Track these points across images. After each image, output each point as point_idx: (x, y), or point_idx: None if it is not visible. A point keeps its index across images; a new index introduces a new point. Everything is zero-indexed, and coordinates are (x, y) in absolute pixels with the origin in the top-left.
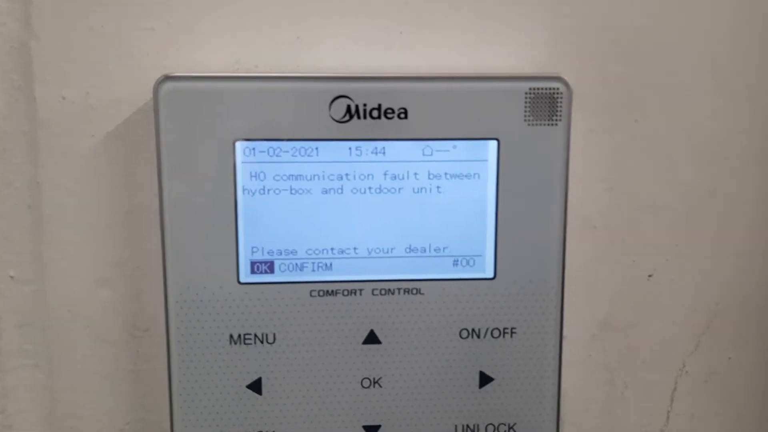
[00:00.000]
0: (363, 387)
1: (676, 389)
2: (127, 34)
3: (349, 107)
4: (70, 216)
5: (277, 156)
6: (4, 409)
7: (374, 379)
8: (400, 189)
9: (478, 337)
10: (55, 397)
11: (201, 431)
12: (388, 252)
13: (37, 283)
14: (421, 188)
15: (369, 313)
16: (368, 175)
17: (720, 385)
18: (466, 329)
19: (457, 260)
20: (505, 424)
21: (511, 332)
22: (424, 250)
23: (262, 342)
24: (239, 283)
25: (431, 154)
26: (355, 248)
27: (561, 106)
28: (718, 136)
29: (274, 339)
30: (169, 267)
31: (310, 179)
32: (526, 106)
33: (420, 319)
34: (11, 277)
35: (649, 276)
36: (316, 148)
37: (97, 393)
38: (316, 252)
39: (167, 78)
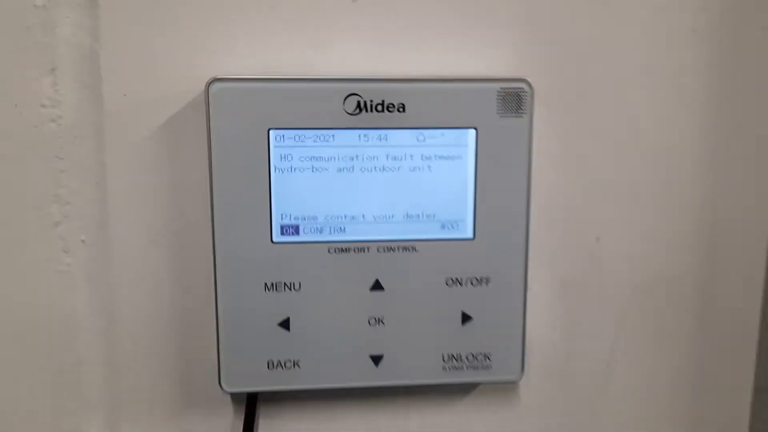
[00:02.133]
0: (369, 325)
1: (618, 331)
2: (174, 41)
3: (359, 102)
4: (129, 191)
5: (301, 141)
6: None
7: (379, 318)
8: (399, 168)
9: (461, 285)
10: (115, 341)
11: (241, 362)
12: (389, 218)
13: (103, 245)
14: (416, 167)
15: (375, 266)
16: (374, 156)
17: (654, 330)
18: (451, 278)
19: (444, 224)
20: (482, 353)
21: (487, 281)
22: (418, 217)
23: (290, 289)
24: (272, 242)
25: (424, 140)
26: (363, 215)
27: (525, 102)
28: (657, 125)
29: (300, 287)
30: (217, 231)
31: (328, 160)
32: (498, 102)
33: (415, 271)
34: (82, 240)
35: (597, 239)
36: (333, 135)
37: (151, 337)
38: (333, 218)
39: (216, 80)
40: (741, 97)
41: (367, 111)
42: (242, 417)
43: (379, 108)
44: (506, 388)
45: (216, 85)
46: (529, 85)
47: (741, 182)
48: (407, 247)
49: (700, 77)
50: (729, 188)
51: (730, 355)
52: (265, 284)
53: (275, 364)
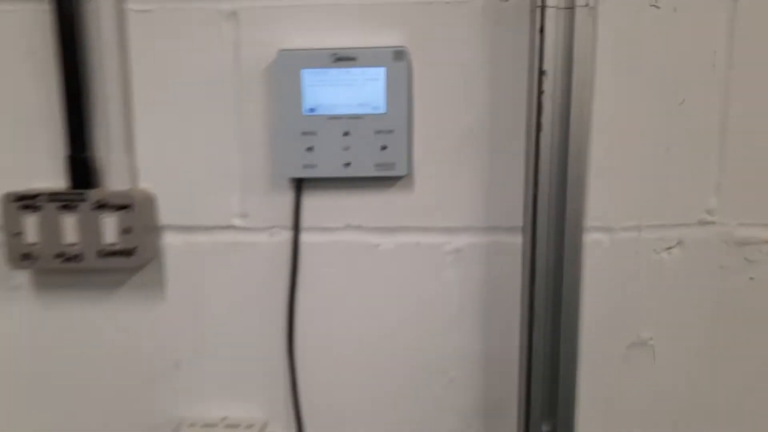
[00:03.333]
0: (343, 150)
1: None
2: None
3: (337, 57)
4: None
5: (318, 74)
6: None
7: (349, 146)
8: (355, 83)
9: (382, 133)
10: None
11: (291, 164)
12: (353, 105)
13: None
14: (364, 83)
15: (347, 126)
16: (346, 79)
17: None
18: (378, 131)
19: (374, 107)
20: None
21: (392, 131)
22: (364, 103)
23: (312, 135)
24: (303, 115)
25: (366, 72)
26: (342, 104)
27: (405, 55)
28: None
29: (316, 134)
30: (275, 108)
31: (328, 81)
32: (391, 56)
33: (362, 128)
34: None
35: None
36: (329, 71)
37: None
38: (330, 105)
39: (282, 50)
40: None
41: (341, 60)
42: (294, 195)
43: (346, 59)
44: None
45: (281, 53)
46: (406, 49)
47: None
48: (359, 117)
49: None
50: None
51: None
52: (302, 132)
53: (306, 165)
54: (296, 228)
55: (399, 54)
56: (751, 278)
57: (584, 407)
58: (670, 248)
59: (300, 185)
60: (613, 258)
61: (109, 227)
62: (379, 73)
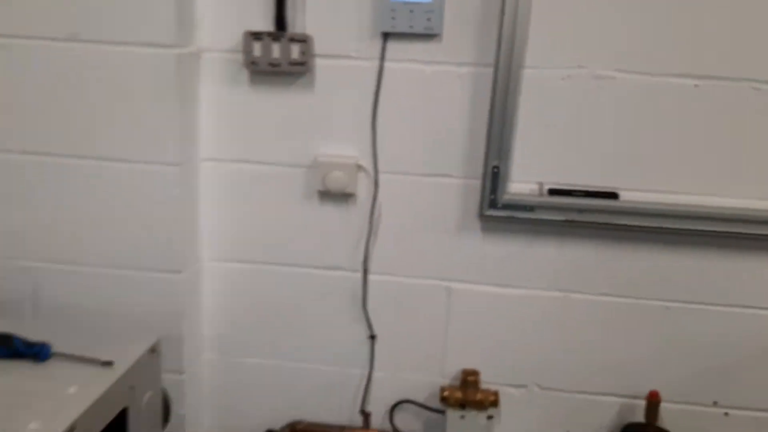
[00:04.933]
0: None
1: None
2: None
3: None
4: None
5: None
6: None
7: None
8: None
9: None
10: None
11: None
12: None
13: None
14: None
15: None
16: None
17: None
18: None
19: None
20: None
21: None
22: None
23: None
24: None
25: None
26: None
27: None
28: None
29: None
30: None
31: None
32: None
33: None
34: None
35: None
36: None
37: None
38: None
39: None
40: None
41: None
42: (382, 41)
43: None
44: None
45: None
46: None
47: None
48: (418, 3)
49: None
50: None
51: None
52: (390, 9)
53: (391, 26)
54: (382, 59)
55: None
56: (598, 99)
57: (517, 156)
58: (563, 79)
59: (386, 37)
60: (537, 82)
61: (294, 50)
62: None
